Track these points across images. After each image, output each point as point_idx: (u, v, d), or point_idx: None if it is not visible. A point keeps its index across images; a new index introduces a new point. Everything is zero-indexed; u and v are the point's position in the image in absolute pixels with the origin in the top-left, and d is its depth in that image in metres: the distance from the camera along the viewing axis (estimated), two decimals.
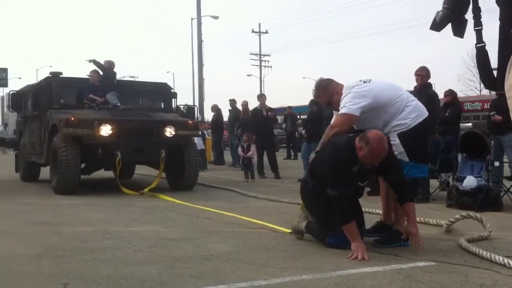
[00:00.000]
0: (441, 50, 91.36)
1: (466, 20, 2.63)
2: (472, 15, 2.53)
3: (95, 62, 9.93)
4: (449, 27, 2.73)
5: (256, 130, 12.29)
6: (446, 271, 3.73)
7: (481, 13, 2.54)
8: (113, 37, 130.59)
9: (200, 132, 15.93)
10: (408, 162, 4.63)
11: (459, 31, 2.68)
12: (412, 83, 7.94)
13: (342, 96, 4.71)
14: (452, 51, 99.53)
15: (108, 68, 10.00)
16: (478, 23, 2.54)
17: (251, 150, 11.48)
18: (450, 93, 8.84)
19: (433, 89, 7.98)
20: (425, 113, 4.77)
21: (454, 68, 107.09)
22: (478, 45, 2.42)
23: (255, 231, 5.34)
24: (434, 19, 2.69)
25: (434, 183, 8.12)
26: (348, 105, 4.61)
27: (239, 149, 11.96)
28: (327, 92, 4.83)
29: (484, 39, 2.50)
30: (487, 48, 2.46)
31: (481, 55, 2.27)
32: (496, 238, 4.87)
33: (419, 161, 4.78)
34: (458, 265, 3.90)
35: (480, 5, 2.52)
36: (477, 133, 7.65)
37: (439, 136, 7.96)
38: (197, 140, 15.70)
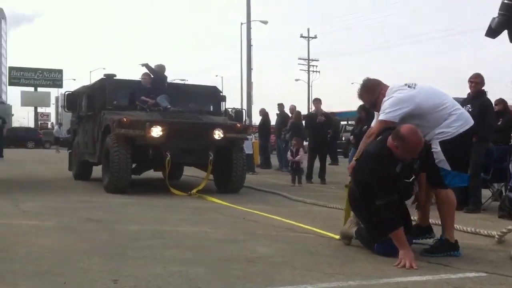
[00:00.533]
0: (495, 57, 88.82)
1: None
2: None
3: (147, 66, 10.17)
4: (505, 33, 2.68)
5: (312, 135, 12.32)
6: (496, 283, 3.64)
7: None
8: (165, 41, 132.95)
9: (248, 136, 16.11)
10: (450, 171, 4.54)
11: None
12: (466, 90, 7.78)
13: (384, 99, 4.63)
14: (506, 59, 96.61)
15: (159, 71, 10.23)
16: None
17: (300, 155, 11.45)
18: (501, 102, 8.76)
19: (487, 96, 7.80)
20: (470, 122, 4.64)
21: (508, 76, 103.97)
22: None
23: (301, 235, 5.34)
24: (490, 25, 2.64)
25: (486, 193, 7.92)
26: (387, 111, 4.54)
27: (288, 153, 11.93)
28: (373, 92, 4.73)
29: None
30: None
31: None
32: None
33: (461, 170, 4.69)
34: (509, 276, 3.79)
35: None
36: None
37: (492, 145, 7.76)
38: (245, 145, 15.87)
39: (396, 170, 4.20)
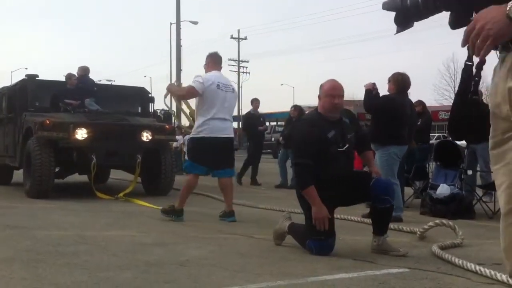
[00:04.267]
0: (418, 60, 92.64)
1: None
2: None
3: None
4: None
5: (252, 137, 12.40)
6: (419, 278, 3.78)
7: None
8: (88, 40, 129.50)
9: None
10: (187, 160, 6.53)
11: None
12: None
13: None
14: (428, 61, 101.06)
15: (83, 74, 9.96)
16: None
17: None
18: (420, 103, 9.21)
19: (408, 98, 8.08)
20: (215, 133, 6.25)
21: (430, 79, 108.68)
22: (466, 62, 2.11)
23: (231, 237, 5.33)
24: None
25: (408, 190, 8.22)
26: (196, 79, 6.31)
27: None
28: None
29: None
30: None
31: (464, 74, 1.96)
32: (468, 246, 4.95)
33: (198, 162, 6.34)
34: (431, 271, 3.95)
35: None
36: (452, 142, 7.78)
37: (416, 145, 8.04)
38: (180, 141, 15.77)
39: (328, 136, 4.40)
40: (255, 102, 12.73)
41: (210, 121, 6.18)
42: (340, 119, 4.58)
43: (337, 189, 4.44)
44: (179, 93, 6.81)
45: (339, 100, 4.51)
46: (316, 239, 4.41)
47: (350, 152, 4.63)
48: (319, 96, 4.64)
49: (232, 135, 6.61)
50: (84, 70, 10.03)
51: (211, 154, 6.19)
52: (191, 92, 6.31)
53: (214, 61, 6.54)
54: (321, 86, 4.63)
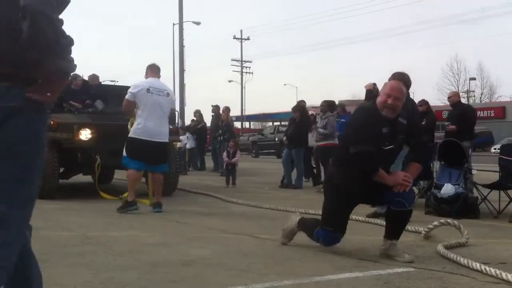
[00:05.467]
0: (422, 59, 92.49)
1: None
2: None
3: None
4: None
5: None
6: (424, 277, 3.77)
7: None
8: (92, 41, 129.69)
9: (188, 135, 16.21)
10: (126, 157, 7.10)
11: None
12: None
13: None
14: (432, 61, 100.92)
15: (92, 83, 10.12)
16: None
17: (237, 157, 11.48)
18: (424, 103, 9.24)
19: (411, 98, 8.08)
20: (143, 135, 7.00)
21: (434, 78, 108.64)
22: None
23: (236, 236, 5.33)
24: None
25: None
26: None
27: (224, 154, 11.90)
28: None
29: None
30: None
31: None
32: (473, 245, 4.94)
33: (133, 158, 7.11)
34: (436, 271, 3.94)
35: None
36: (455, 141, 7.76)
37: None
38: (189, 140, 15.96)
39: (382, 130, 4.31)
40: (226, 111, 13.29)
41: (143, 123, 6.96)
42: (395, 118, 4.39)
43: (366, 185, 4.39)
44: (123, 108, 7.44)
45: (393, 101, 4.29)
46: (326, 229, 4.46)
47: (392, 153, 4.50)
48: (381, 90, 4.52)
49: (165, 140, 7.25)
50: (94, 78, 10.19)
51: (143, 153, 6.98)
52: (125, 105, 7.18)
53: (151, 70, 7.31)
54: (385, 84, 4.53)
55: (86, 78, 10.48)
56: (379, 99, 4.39)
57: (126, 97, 7.07)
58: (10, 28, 1.88)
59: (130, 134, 7.10)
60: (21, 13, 1.84)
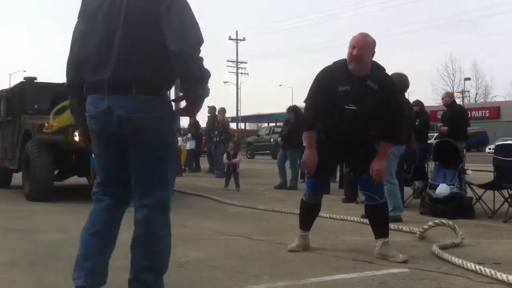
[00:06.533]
0: (417, 60, 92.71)
1: None
2: None
3: None
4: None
5: None
6: (419, 278, 3.78)
7: None
8: None
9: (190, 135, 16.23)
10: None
11: None
12: None
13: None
14: (427, 61, 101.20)
15: None
16: None
17: (238, 157, 11.22)
18: (417, 103, 9.24)
19: (406, 98, 8.10)
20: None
21: (429, 79, 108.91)
22: None
23: (232, 238, 5.33)
24: None
25: (408, 190, 8.23)
26: None
27: (224, 155, 11.61)
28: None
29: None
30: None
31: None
32: (468, 245, 4.96)
33: None
34: (431, 271, 3.95)
35: None
36: (450, 141, 7.79)
37: (416, 146, 8.03)
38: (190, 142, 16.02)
39: (339, 89, 4.28)
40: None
41: None
42: (364, 78, 4.29)
43: (342, 146, 4.41)
44: None
45: (357, 52, 4.24)
46: (308, 177, 4.67)
47: (358, 115, 4.30)
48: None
49: None
50: None
51: None
52: None
53: None
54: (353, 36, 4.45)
55: None
56: (347, 53, 4.36)
57: None
58: (157, 59, 2.72)
59: None
60: (174, 55, 2.63)
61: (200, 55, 2.70)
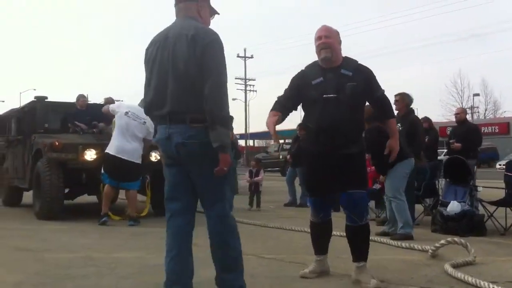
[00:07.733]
0: (425, 76, 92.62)
1: None
2: None
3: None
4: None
5: None
6: None
7: None
8: (97, 61, 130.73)
9: None
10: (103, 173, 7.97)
11: None
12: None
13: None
14: (435, 77, 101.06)
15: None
16: None
17: (260, 176, 10.86)
18: (426, 120, 9.18)
19: (415, 114, 8.05)
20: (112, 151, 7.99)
21: (438, 95, 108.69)
22: None
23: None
24: None
25: (419, 207, 8.16)
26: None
27: (246, 174, 11.33)
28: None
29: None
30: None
31: None
32: (481, 263, 4.89)
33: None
34: None
35: None
36: (460, 158, 7.73)
37: (425, 163, 7.96)
38: None
39: (312, 82, 4.29)
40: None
41: (113, 140, 7.82)
42: (337, 68, 4.28)
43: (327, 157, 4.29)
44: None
45: (325, 40, 4.27)
46: (308, 196, 4.75)
47: (340, 103, 4.19)
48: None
49: (132, 160, 7.80)
50: (109, 101, 10.22)
51: (111, 168, 7.80)
52: (104, 110, 8.37)
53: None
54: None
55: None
56: (315, 48, 4.37)
57: (109, 107, 8.18)
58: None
59: (106, 149, 7.89)
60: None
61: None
